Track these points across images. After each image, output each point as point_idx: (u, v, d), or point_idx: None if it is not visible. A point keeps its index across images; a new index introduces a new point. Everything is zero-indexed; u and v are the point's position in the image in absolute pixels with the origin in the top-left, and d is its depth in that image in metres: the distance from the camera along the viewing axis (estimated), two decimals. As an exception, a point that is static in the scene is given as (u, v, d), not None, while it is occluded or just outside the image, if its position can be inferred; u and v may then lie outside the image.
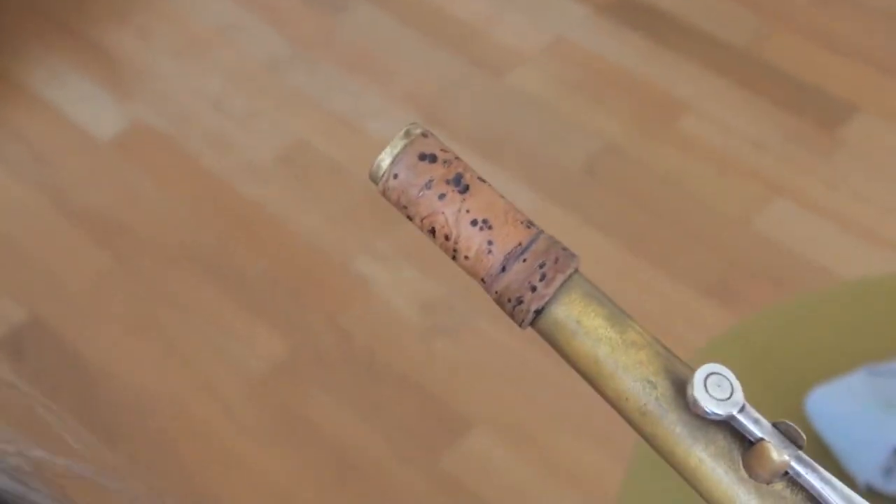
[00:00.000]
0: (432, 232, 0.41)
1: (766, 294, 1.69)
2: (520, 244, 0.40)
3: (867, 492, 1.00)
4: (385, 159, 0.41)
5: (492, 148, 1.90)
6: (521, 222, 0.41)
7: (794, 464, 0.38)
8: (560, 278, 0.40)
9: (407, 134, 0.42)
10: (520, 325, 0.40)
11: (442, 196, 0.41)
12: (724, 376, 0.38)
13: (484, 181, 0.41)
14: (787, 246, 1.74)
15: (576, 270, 0.41)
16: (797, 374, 0.97)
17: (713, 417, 0.38)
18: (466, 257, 0.41)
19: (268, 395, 1.63)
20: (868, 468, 0.99)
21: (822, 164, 1.84)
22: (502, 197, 0.41)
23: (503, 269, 0.40)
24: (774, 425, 0.38)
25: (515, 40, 2.07)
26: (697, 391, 0.38)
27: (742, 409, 0.38)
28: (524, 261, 0.40)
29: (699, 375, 0.38)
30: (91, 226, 1.83)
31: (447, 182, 0.41)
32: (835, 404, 0.93)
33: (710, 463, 0.38)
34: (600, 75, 2.01)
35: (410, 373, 1.64)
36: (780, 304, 1.37)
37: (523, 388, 1.61)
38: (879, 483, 1.01)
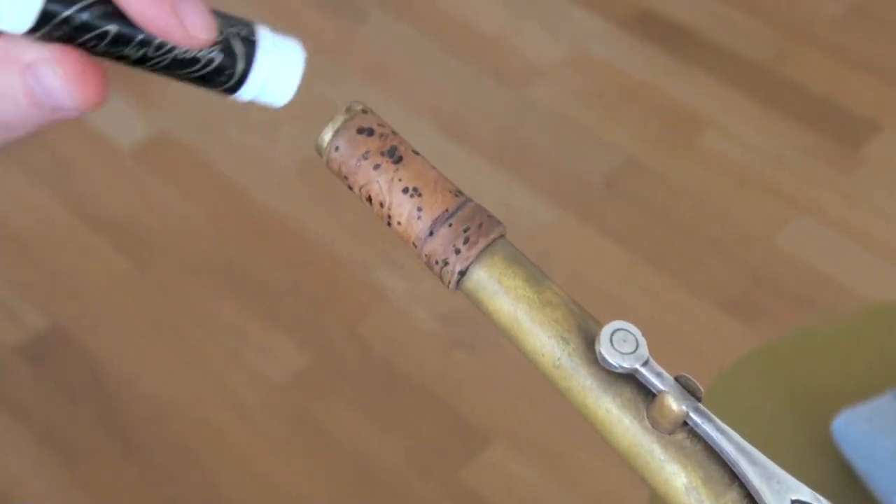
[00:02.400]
0: (369, 200, 0.45)
1: (786, 311, 1.69)
2: (447, 210, 0.43)
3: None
4: (327, 133, 0.46)
5: (511, 160, 1.90)
6: (450, 191, 0.44)
7: (692, 414, 0.40)
8: (483, 242, 0.43)
9: (348, 110, 0.46)
10: (447, 286, 0.44)
11: (377, 166, 0.44)
12: (630, 332, 0.41)
13: (417, 153, 0.45)
14: (808, 263, 1.74)
15: (501, 236, 0.44)
16: (824, 397, 0.97)
17: (619, 370, 0.41)
18: (399, 223, 0.44)
19: (286, 405, 1.63)
20: None
21: (844, 181, 1.84)
22: (434, 168, 0.44)
23: (431, 234, 0.43)
24: (676, 378, 0.41)
25: (536, 53, 2.07)
26: (604, 346, 0.41)
27: (646, 363, 0.41)
28: (450, 225, 0.43)
29: (606, 331, 0.41)
30: (112, 234, 1.84)
31: (382, 154, 0.44)
32: (862, 428, 0.92)
33: (617, 413, 0.41)
34: (620, 89, 2.01)
35: (430, 385, 1.64)
36: (807, 326, 1.37)
37: (544, 403, 1.60)
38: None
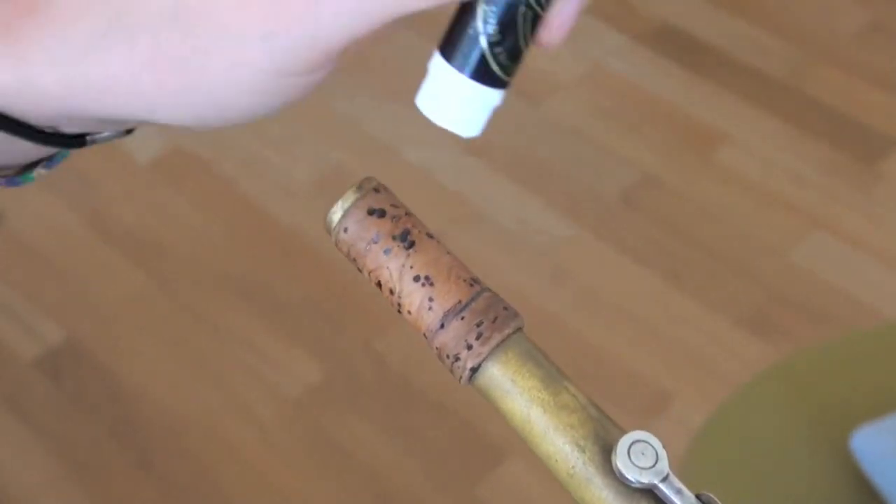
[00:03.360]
0: (379, 286, 0.42)
1: (803, 327, 1.68)
2: (459, 302, 0.41)
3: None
4: (336, 213, 0.43)
5: (529, 176, 1.90)
6: (464, 280, 0.41)
7: None
8: (497, 337, 0.41)
9: (359, 188, 0.43)
10: (458, 381, 0.41)
11: (387, 251, 0.41)
12: (649, 444, 0.39)
13: (432, 237, 0.42)
14: (826, 279, 1.74)
15: (517, 330, 0.41)
16: (843, 412, 0.97)
17: (636, 485, 0.38)
18: (409, 312, 0.41)
19: (303, 419, 1.63)
20: (911, 507, 0.98)
21: (862, 197, 1.84)
22: (449, 253, 0.42)
23: (442, 326, 0.41)
24: (698, 497, 0.38)
25: (553, 68, 2.07)
26: (621, 459, 0.38)
27: (665, 479, 0.38)
28: (462, 318, 0.41)
29: (623, 443, 0.39)
30: (128, 247, 1.84)
31: (393, 238, 0.42)
32: (881, 443, 0.92)
33: None
34: (638, 105, 2.01)
35: (446, 400, 1.63)
36: (826, 341, 1.37)
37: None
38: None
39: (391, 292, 0.42)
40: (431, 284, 0.41)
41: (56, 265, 1.83)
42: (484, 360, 0.41)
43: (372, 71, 2.10)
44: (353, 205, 0.42)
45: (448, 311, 0.41)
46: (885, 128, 1.92)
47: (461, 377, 0.41)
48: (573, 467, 0.39)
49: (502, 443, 1.59)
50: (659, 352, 1.68)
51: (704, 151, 1.92)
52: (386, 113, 2.03)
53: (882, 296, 1.71)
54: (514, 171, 1.91)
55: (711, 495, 0.38)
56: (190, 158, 1.97)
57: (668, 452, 0.39)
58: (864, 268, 1.75)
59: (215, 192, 1.93)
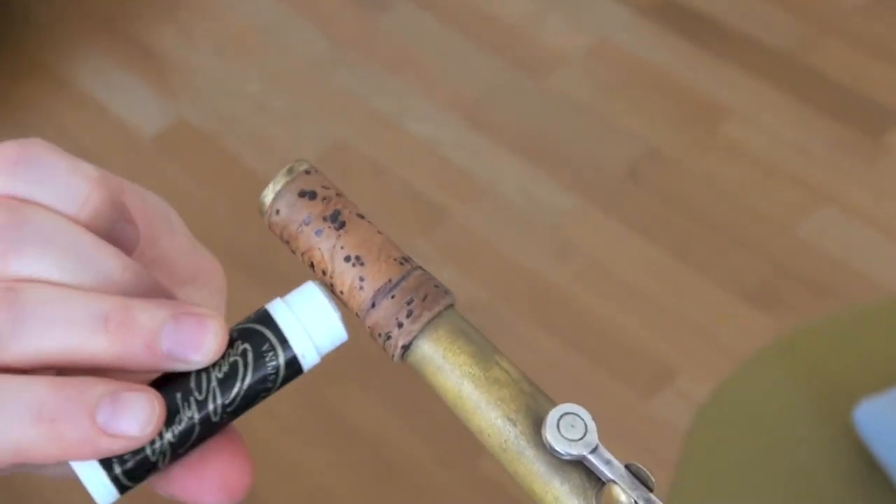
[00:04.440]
0: (312, 266, 0.42)
1: (809, 301, 1.68)
2: (389, 281, 0.41)
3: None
4: (268, 195, 0.43)
5: (534, 150, 1.90)
6: (395, 259, 0.41)
7: None
8: (427, 315, 0.41)
9: (290, 171, 0.43)
10: (392, 359, 0.41)
11: (319, 232, 0.42)
12: (578, 416, 0.39)
13: (363, 217, 0.42)
14: (831, 253, 1.73)
15: (449, 307, 0.41)
16: (846, 385, 0.97)
17: (566, 457, 0.39)
18: (342, 292, 0.42)
19: (308, 394, 1.64)
20: (915, 481, 0.98)
21: (867, 171, 1.83)
22: (380, 233, 0.42)
23: (373, 305, 0.41)
24: (626, 467, 0.38)
25: (558, 42, 2.07)
26: (550, 431, 0.39)
27: (594, 450, 0.38)
28: (392, 297, 0.41)
29: (553, 415, 0.39)
30: (133, 223, 1.84)
31: (324, 219, 0.42)
32: (884, 417, 0.92)
33: (565, 500, 0.39)
34: (643, 78, 2.01)
35: (450, 375, 1.64)
36: (829, 315, 1.37)
37: (560, 393, 1.60)
38: (926, 496, 1.00)
39: (324, 273, 0.42)
40: (362, 264, 0.41)
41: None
42: (415, 337, 0.41)
43: (376, 46, 2.10)
44: (284, 187, 0.43)
45: (378, 290, 0.41)
46: (891, 101, 1.91)
47: (393, 355, 0.41)
48: (505, 441, 0.40)
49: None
50: (664, 326, 1.68)
51: (710, 125, 1.92)
52: (390, 87, 2.02)
53: (888, 269, 1.71)
54: (519, 146, 1.91)
55: (640, 465, 0.39)
56: (194, 134, 1.97)
57: (597, 424, 0.39)
58: (870, 242, 1.75)
59: (219, 168, 1.93)
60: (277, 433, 1.61)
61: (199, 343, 0.40)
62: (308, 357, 0.43)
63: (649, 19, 2.08)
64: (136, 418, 0.38)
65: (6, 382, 0.38)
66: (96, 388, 0.38)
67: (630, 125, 1.93)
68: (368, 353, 1.67)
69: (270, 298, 0.44)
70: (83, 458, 0.38)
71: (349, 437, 1.60)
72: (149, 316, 0.39)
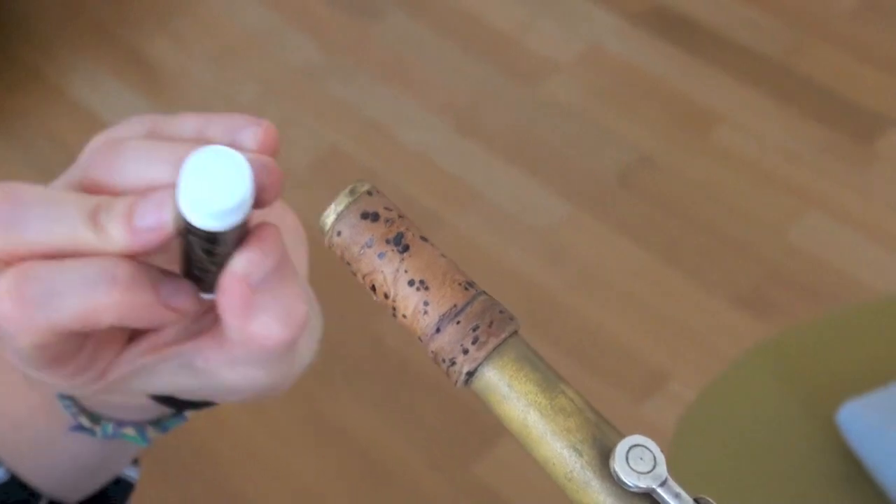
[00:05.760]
0: (373, 289, 0.42)
1: (799, 305, 1.69)
2: (455, 306, 0.41)
3: (899, 505, 0.99)
4: (329, 216, 0.43)
5: (525, 157, 1.91)
6: (460, 284, 0.41)
7: None
8: (493, 342, 0.40)
9: (352, 192, 0.43)
10: (454, 385, 0.41)
11: (381, 255, 0.41)
12: (647, 448, 0.39)
13: (426, 240, 0.42)
14: (822, 257, 1.74)
15: (513, 333, 0.41)
16: (830, 387, 0.97)
17: (634, 490, 0.38)
18: (404, 316, 0.41)
19: (300, 400, 1.64)
20: (901, 482, 0.99)
21: (857, 176, 1.84)
22: (443, 256, 0.42)
23: (437, 331, 0.41)
24: (696, 500, 0.38)
25: (549, 50, 2.08)
26: (618, 464, 0.38)
27: (663, 483, 0.38)
28: (458, 323, 0.40)
29: (622, 447, 0.39)
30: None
31: (387, 241, 0.41)
32: (867, 418, 0.93)
33: None
34: (634, 85, 2.01)
35: (442, 380, 1.64)
36: (814, 318, 1.37)
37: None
38: (912, 496, 1.01)
39: (386, 296, 0.41)
40: (427, 289, 0.41)
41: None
42: (480, 364, 0.40)
43: (368, 53, 2.11)
44: (346, 208, 0.42)
45: (443, 315, 0.41)
46: (880, 106, 1.92)
47: (457, 381, 0.41)
48: (571, 471, 0.39)
49: (498, 422, 1.59)
50: (656, 330, 1.69)
51: (700, 131, 1.93)
52: (382, 95, 2.03)
53: (878, 273, 1.72)
54: (511, 152, 1.91)
55: (710, 499, 0.38)
56: (188, 141, 1.98)
57: (664, 453, 0.39)
58: (860, 246, 1.76)
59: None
60: (269, 439, 1.61)
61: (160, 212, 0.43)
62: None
63: (640, 26, 2.09)
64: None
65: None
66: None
67: (621, 131, 1.94)
68: (362, 360, 1.68)
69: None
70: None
71: (341, 442, 1.61)
72: (123, 202, 0.43)
